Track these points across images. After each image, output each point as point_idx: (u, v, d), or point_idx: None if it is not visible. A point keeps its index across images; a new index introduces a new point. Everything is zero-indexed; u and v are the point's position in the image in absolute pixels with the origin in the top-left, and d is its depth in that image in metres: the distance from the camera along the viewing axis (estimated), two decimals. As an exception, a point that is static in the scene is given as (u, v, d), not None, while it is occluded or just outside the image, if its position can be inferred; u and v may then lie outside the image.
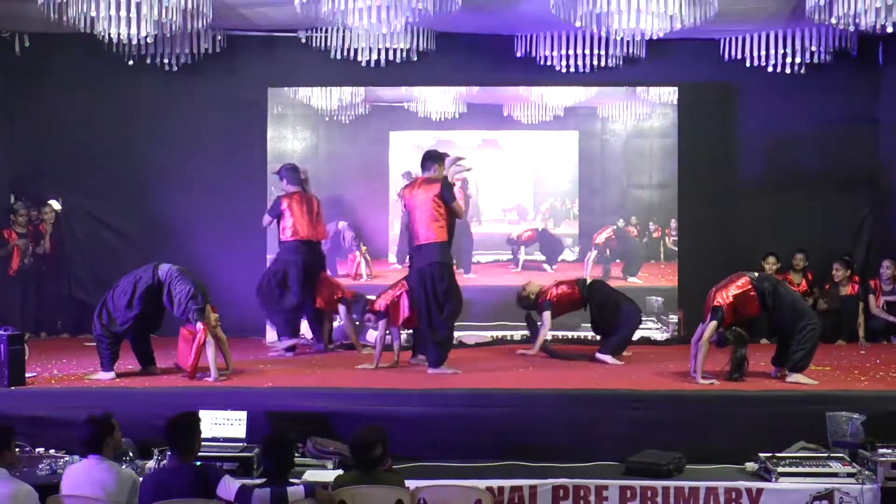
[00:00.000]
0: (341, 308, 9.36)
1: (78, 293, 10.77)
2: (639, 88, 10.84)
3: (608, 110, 10.89)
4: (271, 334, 10.31)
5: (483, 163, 10.77)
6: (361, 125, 10.81)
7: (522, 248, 10.97)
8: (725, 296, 7.57)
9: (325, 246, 10.06)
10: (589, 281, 9.25)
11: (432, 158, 8.22)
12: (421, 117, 10.82)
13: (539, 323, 9.12)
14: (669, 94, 10.79)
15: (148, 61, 10.53)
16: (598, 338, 9.14)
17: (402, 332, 8.77)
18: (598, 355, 8.69)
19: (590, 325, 9.26)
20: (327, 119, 10.82)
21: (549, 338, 9.40)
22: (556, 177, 10.99)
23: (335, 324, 9.85)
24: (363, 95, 10.82)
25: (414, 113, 10.84)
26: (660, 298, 10.64)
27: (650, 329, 10.50)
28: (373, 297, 8.80)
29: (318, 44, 10.65)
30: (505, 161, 10.87)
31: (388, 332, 8.50)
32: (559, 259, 10.93)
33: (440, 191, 7.99)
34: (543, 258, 11.00)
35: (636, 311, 9.04)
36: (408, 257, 8.81)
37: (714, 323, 7.50)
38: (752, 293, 7.60)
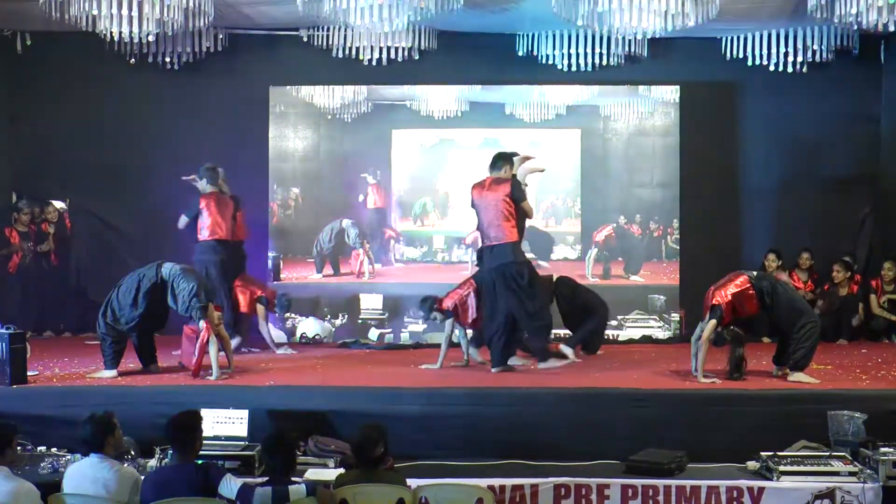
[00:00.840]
0: (259, 308, 9.13)
1: (85, 288, 10.77)
2: (641, 87, 10.84)
3: (610, 109, 10.90)
4: (273, 333, 10.35)
5: (484, 161, 10.76)
6: (363, 123, 10.81)
7: None
8: (724, 294, 7.57)
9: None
10: (555, 277, 9.20)
11: (503, 158, 8.16)
12: (423, 116, 10.83)
13: None
14: (671, 92, 10.79)
15: (150, 60, 10.56)
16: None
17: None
18: (561, 347, 8.58)
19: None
20: (329, 117, 10.83)
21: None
22: (558, 175, 10.98)
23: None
24: (365, 94, 10.83)
25: (416, 111, 10.85)
26: (661, 297, 10.65)
27: (652, 327, 10.51)
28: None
29: (320, 42, 10.65)
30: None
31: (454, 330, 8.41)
32: (551, 256, 10.90)
33: (511, 190, 7.95)
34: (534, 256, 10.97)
35: (604, 307, 8.96)
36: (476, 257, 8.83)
37: (713, 321, 7.50)
38: (750, 292, 7.59)
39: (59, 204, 10.82)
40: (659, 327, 10.52)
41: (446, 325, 8.33)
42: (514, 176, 8.09)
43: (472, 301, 8.29)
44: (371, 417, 6.24)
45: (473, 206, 8.22)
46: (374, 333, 10.44)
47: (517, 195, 7.96)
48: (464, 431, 6.77)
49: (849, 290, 10.34)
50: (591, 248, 10.81)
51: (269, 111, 10.71)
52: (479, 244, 10.36)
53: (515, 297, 7.94)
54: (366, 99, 10.84)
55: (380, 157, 10.87)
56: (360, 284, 10.68)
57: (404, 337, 10.39)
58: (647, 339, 10.27)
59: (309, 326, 10.49)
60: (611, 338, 10.27)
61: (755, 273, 7.93)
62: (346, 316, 10.58)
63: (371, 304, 10.66)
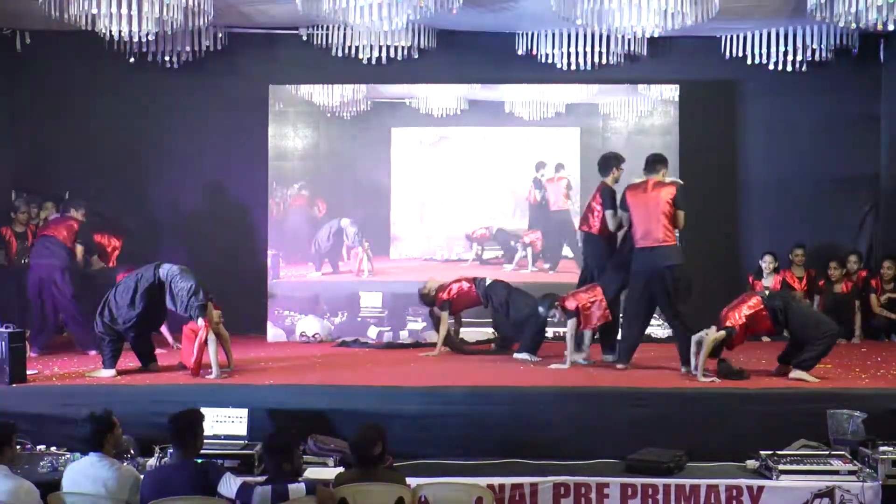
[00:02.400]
0: None
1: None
2: (640, 86, 10.83)
3: (609, 107, 10.88)
4: (272, 331, 10.38)
5: (484, 159, 10.80)
6: (363, 122, 10.80)
7: (475, 244, 10.90)
8: (738, 316, 7.63)
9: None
10: (488, 281, 9.27)
11: (661, 161, 8.22)
12: (423, 114, 10.81)
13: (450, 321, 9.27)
14: (671, 91, 10.77)
15: (149, 59, 10.55)
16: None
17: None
18: (517, 355, 8.71)
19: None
20: (329, 116, 10.81)
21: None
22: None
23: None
24: (365, 92, 10.80)
25: (416, 109, 10.82)
26: (661, 295, 10.62)
27: (651, 326, 10.47)
28: None
29: (320, 41, 10.65)
30: (506, 158, 10.85)
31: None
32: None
33: (675, 194, 7.99)
34: (501, 254, 10.96)
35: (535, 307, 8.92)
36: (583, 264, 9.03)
37: (723, 334, 7.53)
38: (763, 312, 7.68)
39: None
40: (658, 326, 10.49)
41: (569, 325, 8.31)
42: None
43: (595, 311, 8.30)
44: (370, 416, 6.26)
45: (626, 208, 8.22)
46: (373, 331, 10.44)
47: (680, 200, 8.00)
48: (463, 430, 6.78)
49: (843, 287, 10.34)
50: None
51: (268, 110, 10.69)
52: (539, 245, 10.57)
53: (669, 298, 8.00)
54: (365, 97, 10.82)
55: (379, 155, 10.85)
56: (359, 282, 10.67)
57: (403, 335, 10.38)
58: (646, 338, 10.21)
59: (308, 325, 10.49)
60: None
61: (767, 293, 8.11)
62: (346, 314, 10.57)
63: (370, 301, 10.65)
